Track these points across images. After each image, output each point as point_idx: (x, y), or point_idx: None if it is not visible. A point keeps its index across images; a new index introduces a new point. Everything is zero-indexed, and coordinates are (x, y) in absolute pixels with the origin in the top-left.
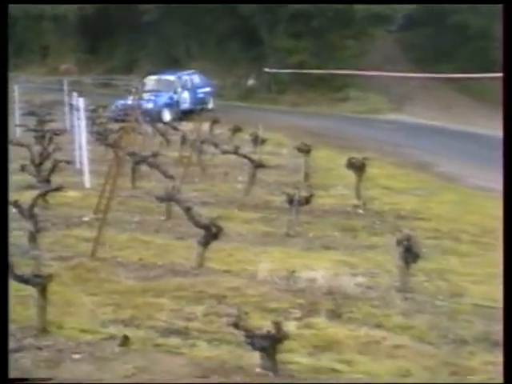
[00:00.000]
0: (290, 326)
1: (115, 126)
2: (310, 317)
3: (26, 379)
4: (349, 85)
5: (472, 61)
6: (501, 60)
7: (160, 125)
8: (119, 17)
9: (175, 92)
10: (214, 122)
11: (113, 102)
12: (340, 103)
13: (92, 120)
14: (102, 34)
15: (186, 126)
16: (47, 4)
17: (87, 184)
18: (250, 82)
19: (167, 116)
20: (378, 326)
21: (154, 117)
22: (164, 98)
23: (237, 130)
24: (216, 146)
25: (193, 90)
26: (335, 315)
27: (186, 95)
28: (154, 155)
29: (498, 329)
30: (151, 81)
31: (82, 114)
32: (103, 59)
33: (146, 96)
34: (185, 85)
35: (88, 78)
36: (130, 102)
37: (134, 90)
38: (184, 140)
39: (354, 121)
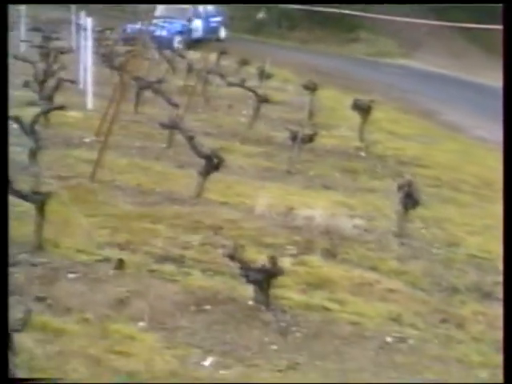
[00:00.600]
0: (285, 262)
1: (122, 49)
2: (306, 254)
3: (27, 379)
4: (360, 26)
5: (484, 10)
6: None
7: (167, 51)
8: None
9: (188, 20)
10: (222, 53)
11: (122, 24)
12: (350, 44)
13: (99, 41)
14: None
15: (194, 55)
16: (47, 4)
17: (90, 105)
18: (260, 15)
19: (178, 43)
20: (373, 268)
21: (164, 43)
22: (177, 26)
23: (244, 62)
24: (222, 77)
25: (205, 18)
26: (330, 255)
27: (198, 23)
28: (160, 81)
29: (490, 280)
30: (163, 8)
31: (89, 34)
32: None
33: (157, 22)
34: (198, 13)
35: None
36: (140, 26)
37: (144, 14)
38: (190, 69)
39: (363, 63)
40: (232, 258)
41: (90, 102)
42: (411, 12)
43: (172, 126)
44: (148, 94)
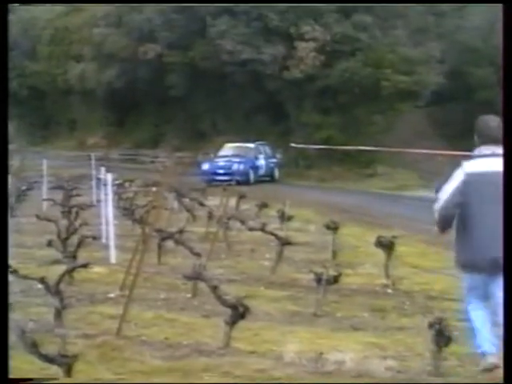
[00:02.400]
0: None
1: (141, 201)
2: None
3: (29, 379)
4: (376, 160)
5: None
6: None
7: (186, 200)
8: (146, 91)
9: (256, 158)
10: (241, 197)
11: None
12: (368, 179)
13: (119, 195)
14: (128, 107)
15: (213, 201)
16: (47, 4)
17: (113, 259)
18: (277, 156)
19: (252, 177)
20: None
21: (243, 176)
22: (249, 162)
23: (263, 205)
24: (242, 222)
25: (266, 158)
26: None
27: (262, 162)
28: (181, 231)
29: None
30: (230, 147)
31: (110, 189)
32: (130, 133)
33: (222, 161)
34: (261, 153)
35: (115, 153)
36: (221, 163)
37: (212, 155)
38: (210, 216)
39: (383, 197)
40: None
41: (113, 256)
42: (427, 143)
43: (195, 277)
44: (170, 244)
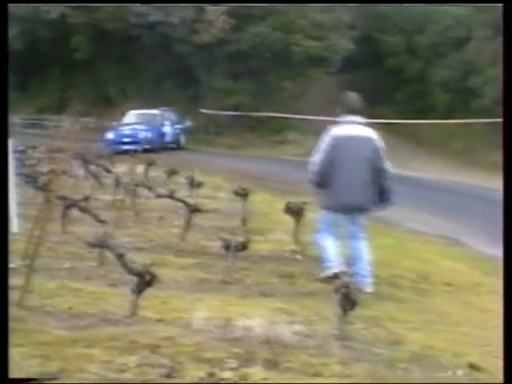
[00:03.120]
0: (226, 377)
1: (45, 167)
2: (247, 367)
3: (31, 379)
4: (287, 127)
5: (409, 104)
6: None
7: (92, 167)
8: (50, 53)
9: (162, 125)
10: (149, 164)
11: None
12: (279, 146)
13: (21, 161)
14: (31, 71)
15: (120, 168)
16: (47, 4)
17: (15, 228)
18: (187, 123)
19: (158, 144)
20: (316, 375)
21: (149, 144)
22: (155, 129)
23: (172, 172)
24: (150, 189)
25: (172, 125)
26: (272, 364)
27: (168, 129)
28: (86, 199)
29: (435, 377)
30: (134, 115)
31: (11, 156)
32: (33, 98)
33: (127, 129)
34: (166, 119)
35: (17, 118)
36: (126, 131)
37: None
38: (118, 183)
39: (293, 164)
40: (170, 377)
41: (15, 225)
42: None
43: (100, 245)
44: (75, 212)
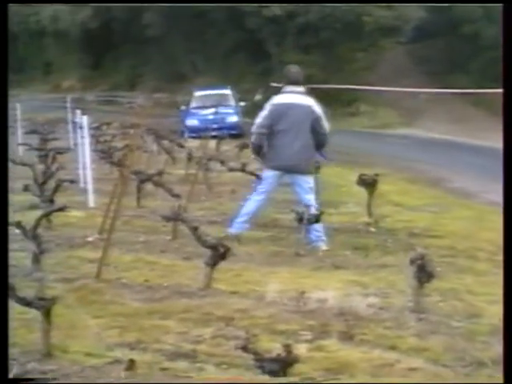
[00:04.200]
0: (301, 349)
1: (119, 143)
2: (321, 339)
3: (27, 379)
4: (358, 99)
5: (485, 72)
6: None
7: (165, 142)
8: (122, 31)
9: (236, 105)
10: (221, 138)
11: (179, 118)
12: (350, 118)
13: (96, 138)
14: (104, 49)
15: (192, 143)
16: (47, 4)
17: (91, 203)
18: (257, 96)
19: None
20: (392, 348)
21: (237, 129)
22: (237, 111)
23: (244, 146)
24: (222, 163)
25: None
26: (347, 337)
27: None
28: (160, 173)
29: None
30: (204, 96)
31: (86, 132)
32: (106, 75)
33: (209, 114)
34: (234, 99)
35: (91, 95)
36: (210, 116)
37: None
38: (190, 157)
39: (365, 136)
40: (245, 349)
41: (91, 200)
42: (409, 80)
43: (175, 218)
44: (149, 186)
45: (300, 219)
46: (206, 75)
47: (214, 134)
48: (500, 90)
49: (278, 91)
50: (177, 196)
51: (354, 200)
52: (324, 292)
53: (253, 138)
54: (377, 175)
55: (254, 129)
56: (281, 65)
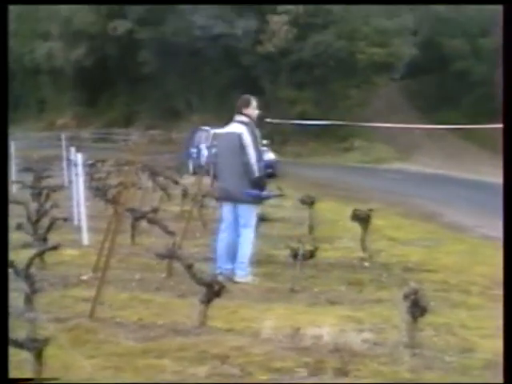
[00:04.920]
0: None
1: (114, 180)
2: (316, 376)
3: (27, 379)
4: (353, 134)
5: (476, 108)
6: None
7: (160, 178)
8: (117, 69)
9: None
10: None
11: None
12: (344, 153)
13: (90, 175)
14: (99, 86)
15: (187, 180)
16: (47, 4)
17: (85, 241)
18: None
19: None
20: (387, 383)
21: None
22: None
23: None
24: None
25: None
26: (342, 373)
27: None
28: (154, 210)
29: None
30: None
31: (80, 170)
32: (101, 112)
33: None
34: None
35: (86, 132)
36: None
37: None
38: (185, 194)
39: (359, 171)
40: None
41: (85, 238)
42: (403, 116)
43: (169, 256)
44: (144, 224)
45: (295, 255)
46: (201, 113)
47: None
48: (495, 125)
49: (272, 127)
50: (171, 233)
51: (348, 235)
52: (319, 328)
53: (204, 168)
54: (371, 210)
55: (205, 160)
56: (276, 101)
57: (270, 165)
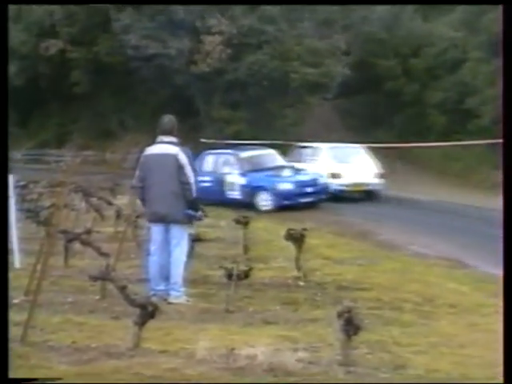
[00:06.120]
0: None
1: (46, 202)
2: None
3: (27, 379)
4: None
5: (407, 127)
6: None
7: (93, 199)
8: (49, 88)
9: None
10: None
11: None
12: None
13: (22, 196)
14: (31, 106)
15: (121, 200)
16: (47, 4)
17: (17, 264)
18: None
19: None
20: None
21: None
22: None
23: None
24: None
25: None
26: None
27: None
28: (87, 232)
29: None
30: (258, 156)
31: (12, 191)
32: (33, 133)
33: (304, 176)
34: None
35: (18, 154)
36: (304, 178)
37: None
38: (119, 215)
39: None
40: None
41: (17, 261)
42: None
43: (103, 278)
44: (77, 245)
45: (229, 275)
46: (134, 133)
47: (305, 200)
48: (422, 144)
49: (207, 147)
50: (105, 255)
51: (283, 254)
52: (254, 348)
53: (133, 191)
54: (305, 229)
55: (133, 183)
56: (210, 121)
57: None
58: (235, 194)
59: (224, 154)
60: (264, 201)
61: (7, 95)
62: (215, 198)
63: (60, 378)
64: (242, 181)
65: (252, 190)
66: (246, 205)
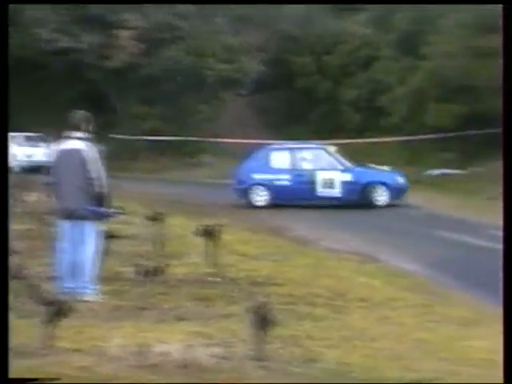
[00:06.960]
0: None
1: None
2: None
3: (27, 379)
4: (201, 150)
5: (321, 123)
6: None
7: None
8: None
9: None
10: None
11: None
12: (193, 169)
13: None
14: None
15: (31, 197)
16: (48, 4)
17: None
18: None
19: None
20: None
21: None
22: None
23: None
24: None
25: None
26: None
27: None
28: None
29: None
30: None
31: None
32: None
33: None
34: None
35: None
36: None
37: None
38: (29, 212)
39: (207, 186)
40: None
41: None
42: (250, 131)
43: (13, 276)
44: None
45: (143, 272)
46: (46, 127)
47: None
48: (339, 141)
49: (121, 143)
50: (16, 252)
51: (197, 250)
52: (167, 345)
53: (49, 189)
54: (219, 225)
55: (46, 180)
56: (124, 117)
57: None
58: (334, 192)
59: (305, 150)
60: (381, 196)
61: (7, 95)
62: (302, 197)
63: (59, 378)
64: (346, 177)
65: (363, 187)
66: (348, 202)
